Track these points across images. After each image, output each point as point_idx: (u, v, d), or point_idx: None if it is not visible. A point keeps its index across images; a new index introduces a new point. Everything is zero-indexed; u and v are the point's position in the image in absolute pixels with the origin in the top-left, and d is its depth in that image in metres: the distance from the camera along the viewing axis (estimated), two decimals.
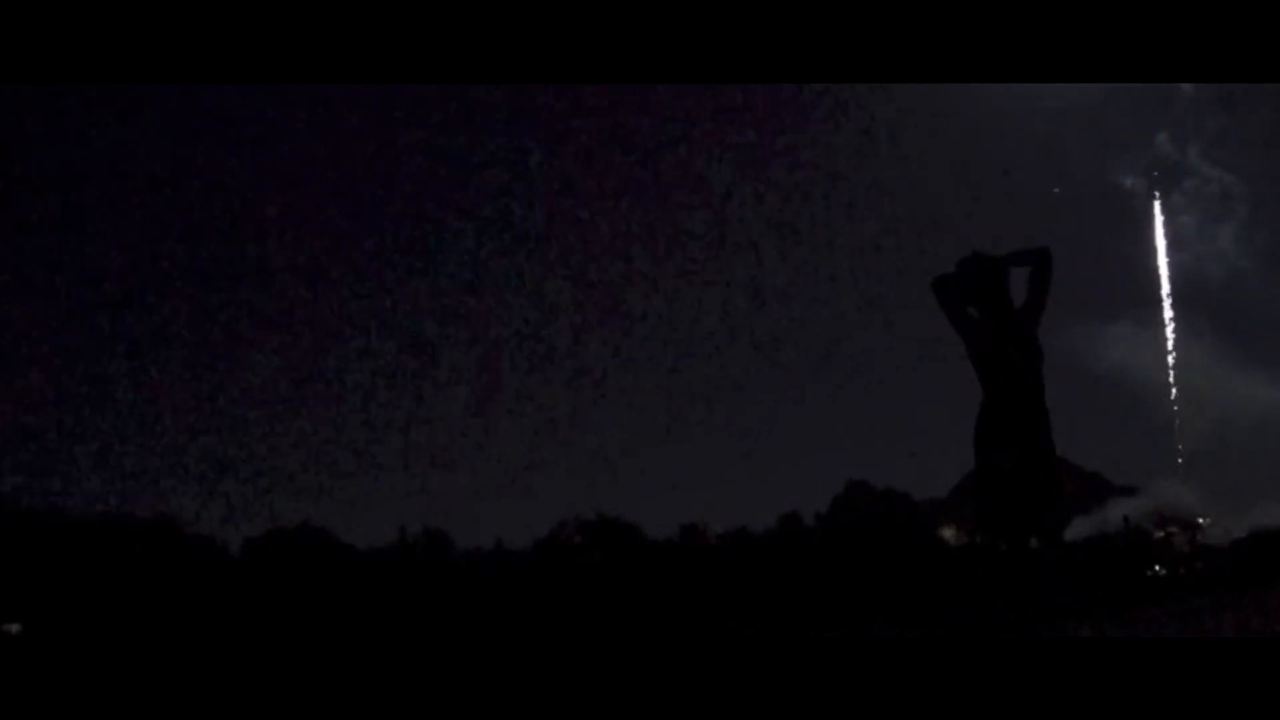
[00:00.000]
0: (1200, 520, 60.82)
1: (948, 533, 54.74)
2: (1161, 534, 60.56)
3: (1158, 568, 55.50)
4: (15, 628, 30.40)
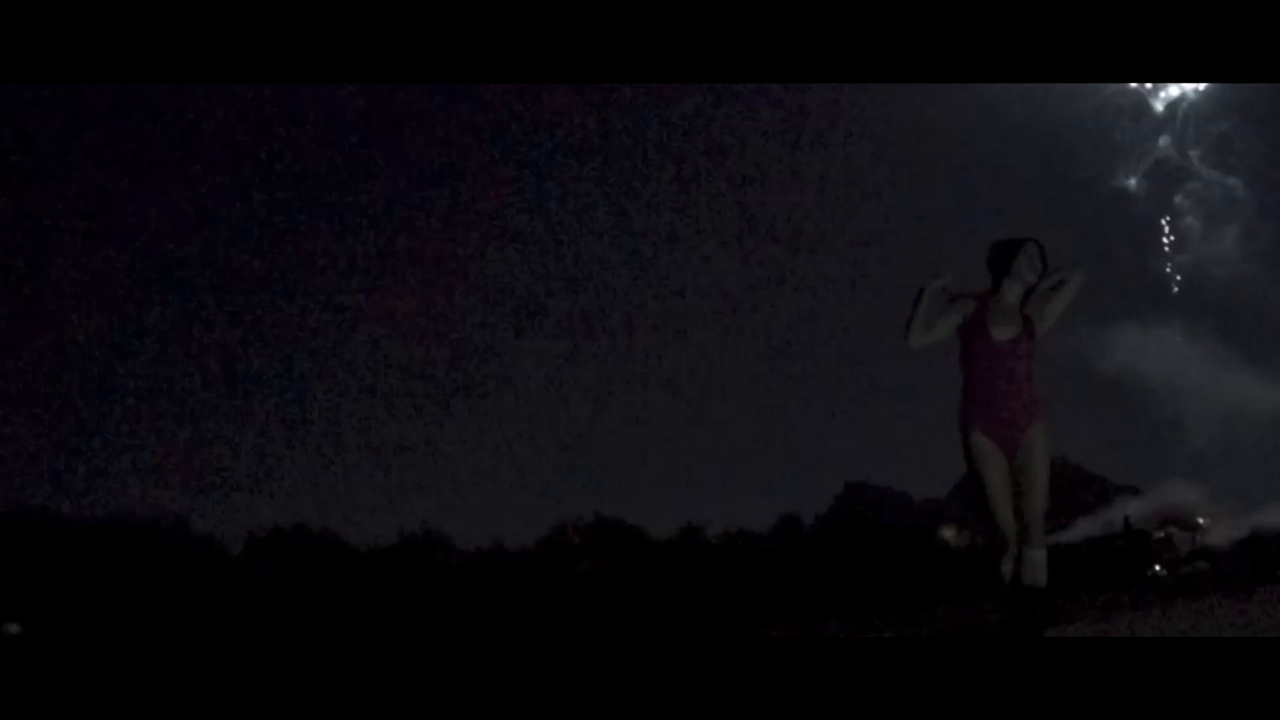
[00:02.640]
0: (1201, 521, 60.85)
1: (948, 533, 54.81)
2: (1162, 534, 60.62)
3: (1158, 568, 55.55)
4: (15, 628, 30.40)
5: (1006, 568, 4.06)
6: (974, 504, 4.18)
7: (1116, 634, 5.65)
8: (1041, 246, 4.14)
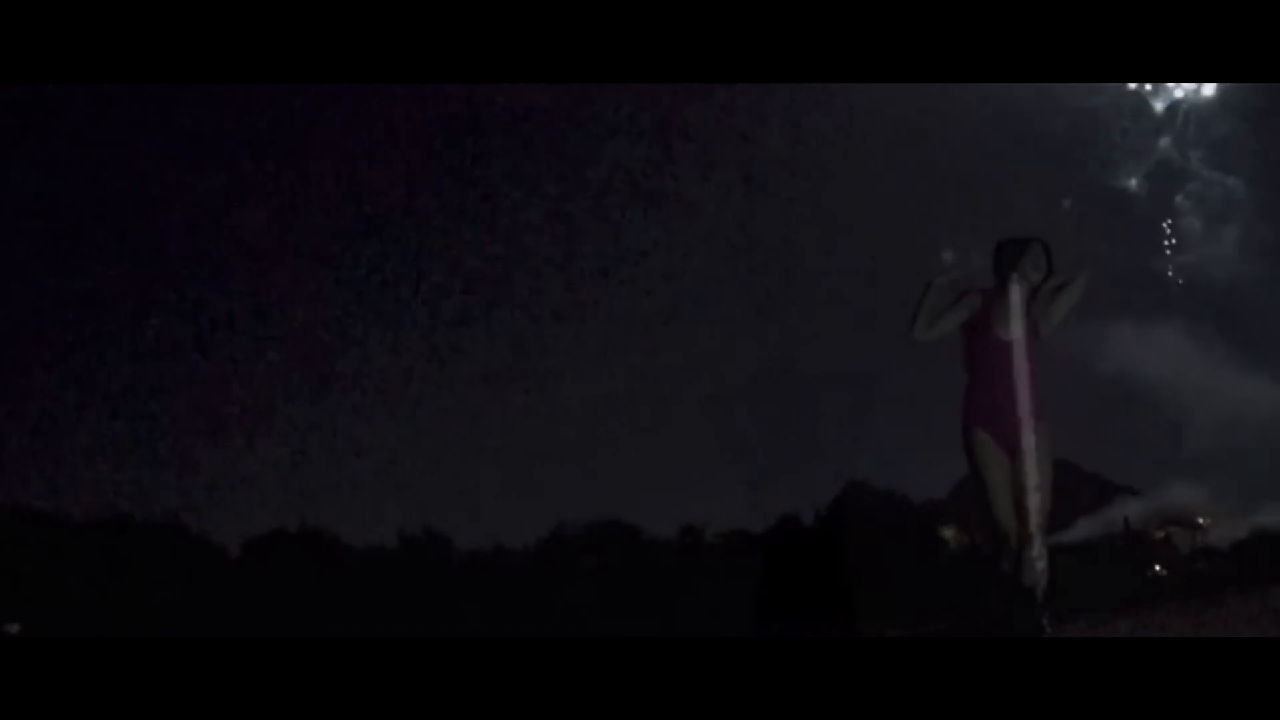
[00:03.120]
0: (1201, 521, 60.85)
1: (948, 533, 54.80)
2: (1162, 535, 60.61)
3: (1158, 568, 55.57)
4: (15, 628, 30.38)
5: (1006, 567, 4.06)
6: (974, 503, 4.18)
7: (1116, 634, 5.65)
8: (1047, 246, 4.16)
